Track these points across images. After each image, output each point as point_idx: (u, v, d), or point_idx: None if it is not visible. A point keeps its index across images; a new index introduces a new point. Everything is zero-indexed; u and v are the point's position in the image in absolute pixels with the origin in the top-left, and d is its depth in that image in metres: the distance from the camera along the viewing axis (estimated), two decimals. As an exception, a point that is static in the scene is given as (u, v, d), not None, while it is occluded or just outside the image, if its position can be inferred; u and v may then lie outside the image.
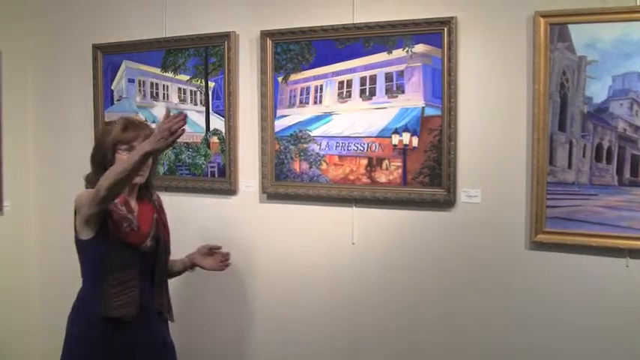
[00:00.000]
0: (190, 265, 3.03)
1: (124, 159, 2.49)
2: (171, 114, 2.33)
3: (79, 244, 2.64)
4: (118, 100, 4.03)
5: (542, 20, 2.94)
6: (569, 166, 2.96)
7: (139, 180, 2.67)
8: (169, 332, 2.90)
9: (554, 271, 3.03)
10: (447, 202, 3.20)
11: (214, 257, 3.02)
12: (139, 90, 3.95)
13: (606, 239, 2.89)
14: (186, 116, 2.34)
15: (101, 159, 2.64)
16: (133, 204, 2.72)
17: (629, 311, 2.90)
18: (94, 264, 2.62)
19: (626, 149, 2.87)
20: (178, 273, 3.04)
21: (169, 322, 2.89)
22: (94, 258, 2.61)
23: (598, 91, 2.89)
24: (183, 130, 2.32)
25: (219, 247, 3.03)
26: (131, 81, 3.97)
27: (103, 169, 2.55)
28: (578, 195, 2.95)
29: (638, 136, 2.84)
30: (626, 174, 2.87)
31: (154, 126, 2.89)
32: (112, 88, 4.04)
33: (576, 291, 2.99)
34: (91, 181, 2.65)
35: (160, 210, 2.85)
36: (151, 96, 3.91)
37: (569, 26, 2.91)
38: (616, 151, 2.88)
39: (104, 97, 4.06)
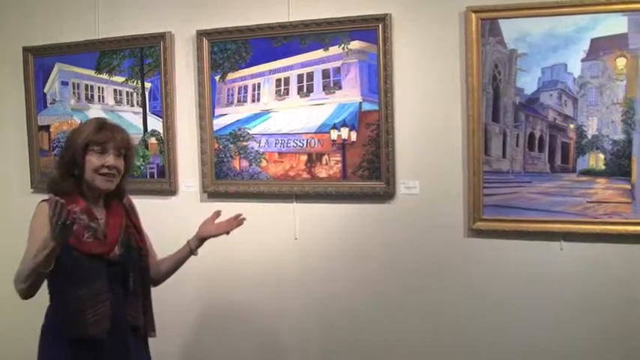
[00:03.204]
0: (195, 246, 2.69)
1: (29, 255, 2.19)
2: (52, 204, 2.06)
3: None
4: (51, 104, 3.82)
5: (473, 15, 2.93)
6: (504, 155, 2.96)
7: (107, 187, 2.42)
8: (148, 349, 2.62)
9: (493, 256, 3.02)
10: (386, 195, 3.15)
11: (222, 222, 2.71)
12: (74, 92, 3.75)
13: (541, 224, 2.91)
14: (59, 202, 2.04)
15: (70, 161, 2.39)
16: (100, 211, 2.45)
17: (564, 291, 2.92)
18: (58, 279, 2.31)
19: (557, 137, 2.89)
20: (174, 269, 2.71)
21: (149, 337, 2.60)
22: (57, 273, 2.24)
23: (528, 82, 2.90)
24: (72, 218, 2.07)
25: (219, 212, 2.72)
26: (65, 84, 3.77)
27: (69, 174, 2.39)
28: (513, 183, 2.95)
29: (568, 125, 2.86)
30: (558, 161, 2.89)
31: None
32: (45, 91, 3.82)
33: (515, 274, 2.99)
34: (54, 187, 2.38)
35: (131, 213, 2.60)
36: (86, 98, 3.72)
37: (500, 21, 2.91)
38: (547, 140, 2.90)
39: (37, 100, 3.84)
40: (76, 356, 2.33)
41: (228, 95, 3.41)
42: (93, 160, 2.37)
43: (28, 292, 2.25)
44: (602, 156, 2.82)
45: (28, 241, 2.32)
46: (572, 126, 2.85)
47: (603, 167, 2.82)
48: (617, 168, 2.79)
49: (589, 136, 2.83)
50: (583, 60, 2.81)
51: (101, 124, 2.45)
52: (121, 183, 2.52)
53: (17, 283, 2.25)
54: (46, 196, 2.34)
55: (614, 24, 2.76)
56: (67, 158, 2.42)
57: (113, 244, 2.42)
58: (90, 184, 2.41)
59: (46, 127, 3.83)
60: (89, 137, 2.38)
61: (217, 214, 2.74)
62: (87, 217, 2.36)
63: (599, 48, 2.79)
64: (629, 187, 2.79)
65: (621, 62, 2.78)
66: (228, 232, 2.72)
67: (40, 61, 3.81)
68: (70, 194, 2.35)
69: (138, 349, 2.52)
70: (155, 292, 2.69)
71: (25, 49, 3.82)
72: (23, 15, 3.88)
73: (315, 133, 3.26)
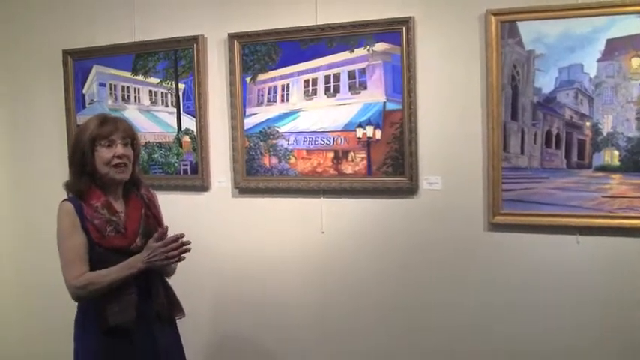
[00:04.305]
0: None
1: (113, 270, 2.42)
2: (174, 238, 2.43)
3: None
4: (89, 104, 4.00)
5: (493, 18, 3.04)
6: (522, 152, 3.07)
7: (122, 177, 2.52)
8: (177, 331, 2.74)
9: (511, 249, 3.13)
10: (409, 190, 3.28)
11: None
12: (111, 93, 3.93)
13: (558, 218, 3.01)
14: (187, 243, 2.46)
15: (80, 158, 2.48)
16: (119, 204, 2.58)
17: (580, 283, 3.02)
18: None
19: (573, 135, 2.99)
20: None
21: (179, 318, 2.71)
22: None
23: (546, 82, 3.00)
24: (182, 258, 2.49)
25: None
26: (102, 85, 3.95)
27: (82, 172, 2.49)
28: (530, 178, 3.06)
29: (584, 123, 2.96)
30: (574, 158, 2.99)
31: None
32: (84, 92, 4.01)
33: (532, 267, 3.09)
34: (71, 187, 2.54)
35: (150, 205, 2.68)
36: (123, 99, 3.90)
37: (518, 23, 3.01)
38: (564, 137, 3.00)
39: (76, 100, 4.02)
40: (106, 344, 2.46)
41: (258, 95, 3.56)
42: (103, 153, 2.47)
43: (87, 298, 2.46)
44: (616, 153, 2.92)
45: (60, 244, 2.49)
46: (587, 124, 2.95)
47: (618, 163, 2.92)
48: (632, 164, 2.89)
49: (604, 134, 2.93)
50: (599, 60, 2.91)
51: (103, 119, 2.55)
52: (135, 173, 2.63)
53: (77, 289, 2.43)
54: (66, 196, 2.56)
55: (629, 25, 2.85)
56: (77, 157, 2.51)
57: (134, 237, 2.53)
58: (104, 177, 2.51)
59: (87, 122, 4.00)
60: (95, 132, 2.48)
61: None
62: (107, 212, 2.49)
63: (615, 48, 2.88)
64: (643, 182, 2.89)
65: (636, 62, 2.87)
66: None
67: (79, 63, 4.00)
68: (88, 192, 2.50)
69: (165, 333, 2.64)
70: (186, 277, 2.87)
71: (65, 52, 4.01)
72: (63, 19, 4.06)
73: (341, 131, 3.40)
